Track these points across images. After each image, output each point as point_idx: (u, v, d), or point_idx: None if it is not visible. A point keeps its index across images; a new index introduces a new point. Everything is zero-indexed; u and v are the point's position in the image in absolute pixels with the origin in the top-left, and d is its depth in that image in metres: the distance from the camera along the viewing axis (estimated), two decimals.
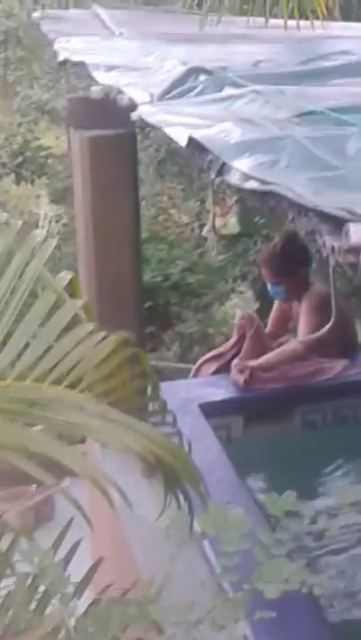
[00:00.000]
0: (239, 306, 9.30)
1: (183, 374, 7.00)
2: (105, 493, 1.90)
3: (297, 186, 2.29)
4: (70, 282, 2.33)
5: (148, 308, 7.52)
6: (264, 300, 9.41)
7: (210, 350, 6.12)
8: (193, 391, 5.43)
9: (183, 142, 2.93)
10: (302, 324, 5.34)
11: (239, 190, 2.59)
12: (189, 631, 1.55)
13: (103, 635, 1.52)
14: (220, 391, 5.46)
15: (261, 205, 2.42)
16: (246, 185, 2.49)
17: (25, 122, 10.61)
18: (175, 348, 9.31)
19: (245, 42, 5.51)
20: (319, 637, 3.16)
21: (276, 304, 5.70)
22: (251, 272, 9.65)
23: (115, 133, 4.37)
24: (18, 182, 10.63)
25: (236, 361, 5.42)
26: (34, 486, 1.84)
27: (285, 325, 5.78)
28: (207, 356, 5.79)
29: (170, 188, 10.56)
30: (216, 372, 5.62)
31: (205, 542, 3.20)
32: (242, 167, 2.54)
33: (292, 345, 5.49)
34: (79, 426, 1.99)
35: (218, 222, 10.40)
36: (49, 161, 10.80)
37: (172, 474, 2.15)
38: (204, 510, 2.10)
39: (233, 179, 2.58)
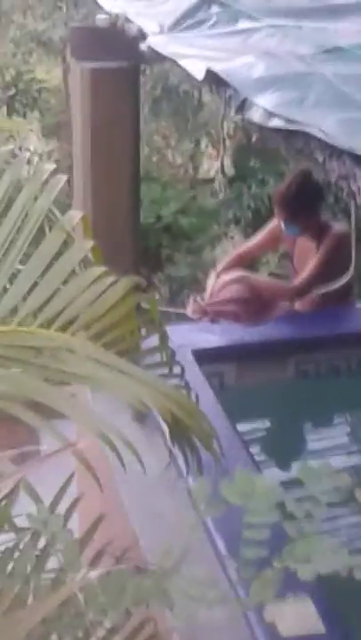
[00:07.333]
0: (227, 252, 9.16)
1: (171, 318, 6.88)
2: (111, 445, 1.78)
3: (328, 126, 2.12)
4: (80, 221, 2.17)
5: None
6: None
7: (196, 295, 5.96)
8: (186, 337, 5.28)
9: (200, 75, 2.74)
10: (314, 263, 5.21)
11: (261, 129, 2.42)
12: (207, 608, 1.43)
13: (116, 606, 1.40)
14: (213, 337, 5.33)
15: (287, 146, 2.26)
16: (271, 123, 2.32)
17: (19, 52, 10.30)
18: (164, 291, 9.18)
19: None
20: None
21: (268, 227, 5.55)
22: (244, 217, 9.48)
23: (118, 66, 4.19)
24: (10, 115, 10.37)
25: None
26: (41, 447, 1.76)
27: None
28: None
29: (164, 128, 10.34)
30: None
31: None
32: (266, 104, 2.37)
33: (286, 287, 5.43)
34: (89, 378, 1.85)
35: (213, 165, 10.23)
36: (42, 95, 10.52)
37: (183, 430, 2.03)
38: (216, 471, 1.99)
39: (255, 116, 2.40)
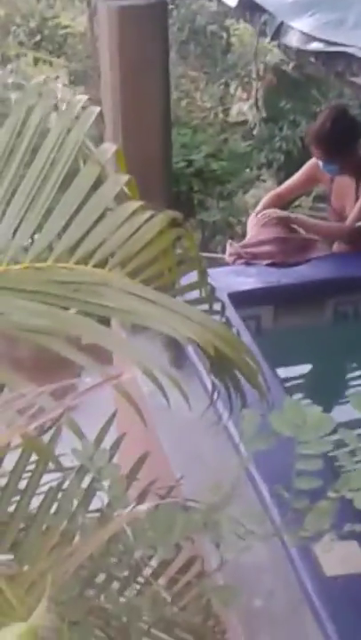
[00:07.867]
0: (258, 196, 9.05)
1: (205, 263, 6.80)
2: (158, 385, 1.73)
3: None
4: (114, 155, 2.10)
5: None
6: None
7: (232, 239, 5.90)
8: (222, 280, 5.20)
9: (233, 2, 2.65)
10: (359, 203, 5.12)
11: (298, 54, 2.32)
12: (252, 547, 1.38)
13: (165, 541, 1.36)
14: (249, 280, 5.25)
15: (327, 70, 2.17)
16: (309, 47, 2.23)
17: None
18: (197, 237, 9.09)
19: None
20: None
21: (305, 167, 5.44)
22: (276, 160, 9.33)
23: (145, 3, 4.07)
24: (35, 62, 10.22)
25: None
26: (83, 380, 1.72)
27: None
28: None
29: (193, 71, 10.16)
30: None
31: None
32: (303, 27, 2.27)
33: (340, 226, 5.34)
34: (130, 312, 1.79)
35: (243, 108, 10.06)
36: (68, 41, 10.34)
37: (227, 365, 1.97)
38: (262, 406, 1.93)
39: (292, 40, 2.31)
